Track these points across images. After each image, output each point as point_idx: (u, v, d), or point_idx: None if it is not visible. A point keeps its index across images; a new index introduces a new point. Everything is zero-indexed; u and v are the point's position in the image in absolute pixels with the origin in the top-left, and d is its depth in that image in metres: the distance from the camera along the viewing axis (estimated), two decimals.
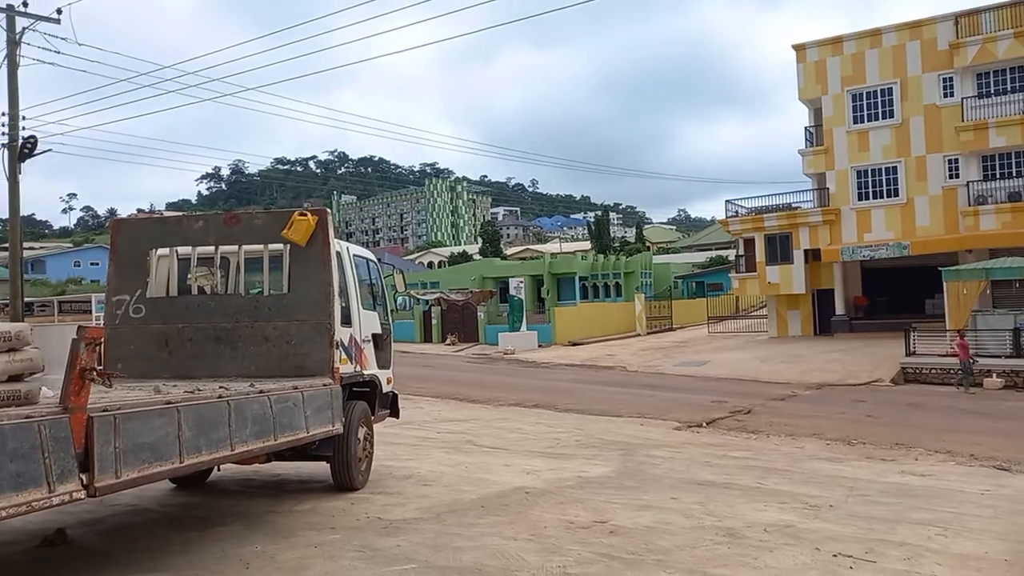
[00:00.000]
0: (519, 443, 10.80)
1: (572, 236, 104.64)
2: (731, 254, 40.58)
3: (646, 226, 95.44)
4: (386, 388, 8.51)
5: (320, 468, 7.60)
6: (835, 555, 5.35)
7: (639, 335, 33.59)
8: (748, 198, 31.51)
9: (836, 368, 21.38)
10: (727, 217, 30.79)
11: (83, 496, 3.73)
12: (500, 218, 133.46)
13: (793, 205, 29.23)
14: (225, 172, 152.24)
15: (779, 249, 28.28)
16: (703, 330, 33.05)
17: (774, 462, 9.82)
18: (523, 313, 32.94)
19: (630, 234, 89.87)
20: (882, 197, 26.94)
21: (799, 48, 28.62)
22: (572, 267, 44.25)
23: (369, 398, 7.96)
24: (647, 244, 69.96)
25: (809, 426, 13.26)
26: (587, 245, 69.94)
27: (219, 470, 7.55)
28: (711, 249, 59.70)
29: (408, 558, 5.12)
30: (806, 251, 27.82)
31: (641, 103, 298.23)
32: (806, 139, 29.30)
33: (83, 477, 3.74)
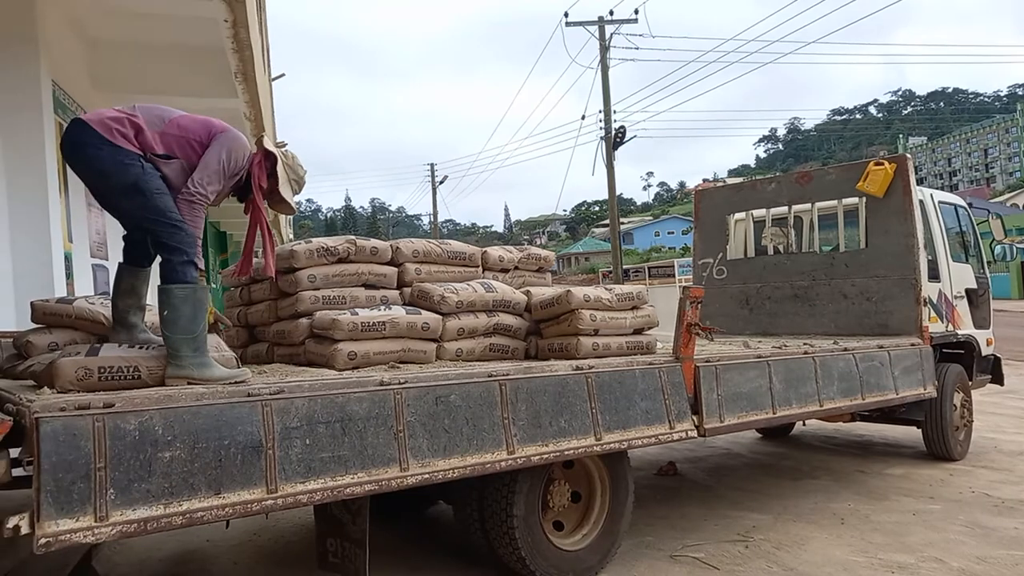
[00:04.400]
0: None
1: None
2: None
3: None
4: (985, 351, 7.50)
5: (907, 433, 7.17)
6: None
7: None
8: None
9: None
10: None
11: (694, 435, 4.26)
12: None
13: None
14: (781, 132, 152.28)
15: None
16: None
17: None
18: None
19: None
20: None
21: None
22: None
23: (965, 361, 7.14)
24: None
25: None
26: None
27: (804, 424, 7.76)
28: None
29: None
30: None
31: None
32: None
33: (693, 419, 4.29)
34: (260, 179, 3.38)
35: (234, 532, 4.85)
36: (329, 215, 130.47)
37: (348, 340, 3.76)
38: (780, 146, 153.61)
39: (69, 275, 5.95)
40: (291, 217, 34.56)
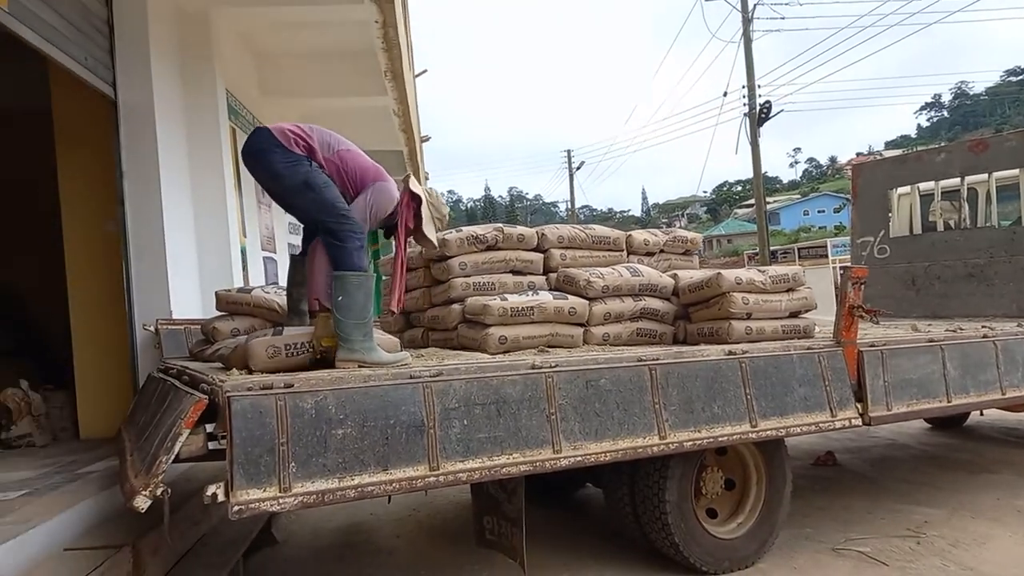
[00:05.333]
0: None
1: None
2: None
3: None
4: None
5: None
6: None
7: None
8: None
9: None
10: None
11: (859, 423, 4.02)
12: None
13: None
14: (946, 98, 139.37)
15: None
16: None
17: None
18: None
19: None
20: None
21: None
22: None
23: None
24: None
25: None
26: None
27: (981, 415, 7.16)
28: None
29: None
30: None
31: None
32: None
33: (857, 406, 4.05)
34: (408, 220, 3.59)
35: (395, 507, 5.13)
36: (469, 205, 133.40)
37: (499, 325, 3.87)
38: (945, 113, 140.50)
39: (244, 267, 6.49)
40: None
